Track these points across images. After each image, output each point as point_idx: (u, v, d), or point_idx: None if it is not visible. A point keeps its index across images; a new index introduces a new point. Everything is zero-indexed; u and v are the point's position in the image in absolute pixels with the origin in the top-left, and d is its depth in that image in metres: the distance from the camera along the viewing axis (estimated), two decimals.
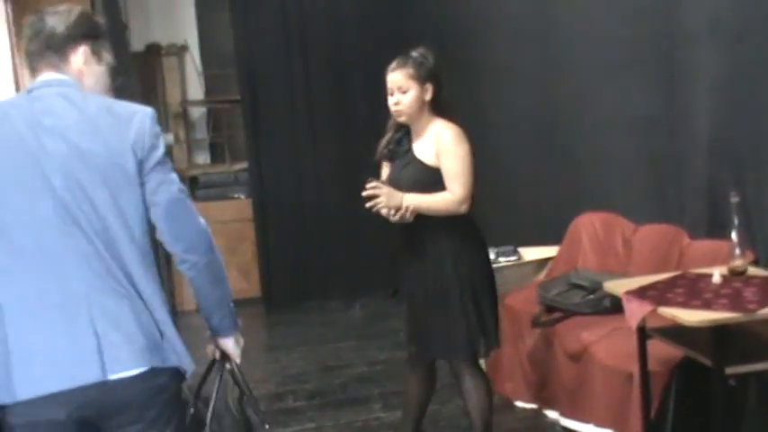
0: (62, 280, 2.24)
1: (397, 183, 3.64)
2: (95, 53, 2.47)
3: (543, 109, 5.65)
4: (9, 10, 6.72)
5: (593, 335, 4.23)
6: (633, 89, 4.76)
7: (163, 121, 8.10)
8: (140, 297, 2.31)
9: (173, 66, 8.10)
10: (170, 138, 7.83)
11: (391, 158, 3.78)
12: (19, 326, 2.22)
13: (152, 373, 2.28)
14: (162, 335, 2.33)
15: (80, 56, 2.42)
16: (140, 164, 2.31)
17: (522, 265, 5.34)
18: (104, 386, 2.22)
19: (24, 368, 2.20)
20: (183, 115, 8.23)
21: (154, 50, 8.01)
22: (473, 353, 3.75)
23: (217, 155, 8.40)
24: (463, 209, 3.61)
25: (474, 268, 3.73)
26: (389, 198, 3.53)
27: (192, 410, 2.59)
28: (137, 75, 7.60)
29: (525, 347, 4.74)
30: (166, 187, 2.34)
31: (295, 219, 7.61)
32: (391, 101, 3.66)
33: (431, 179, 3.60)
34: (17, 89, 6.86)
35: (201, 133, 8.45)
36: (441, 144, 3.60)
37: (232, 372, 2.66)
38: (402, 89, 3.62)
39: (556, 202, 5.56)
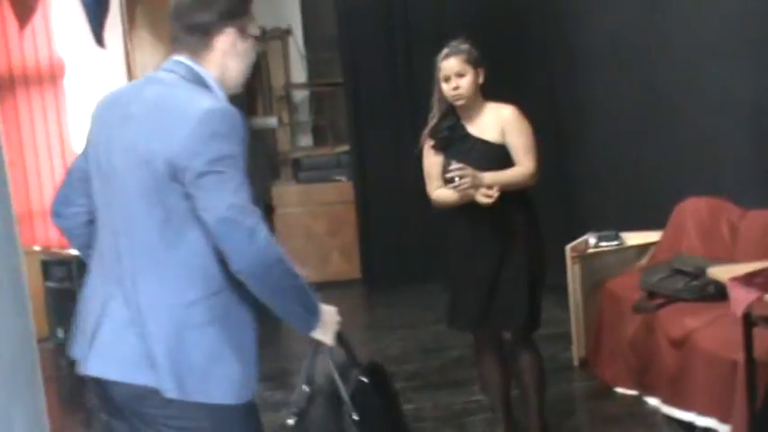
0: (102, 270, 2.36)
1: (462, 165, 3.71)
2: (241, 30, 2.38)
3: (646, 91, 5.56)
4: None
5: (696, 321, 4.17)
6: (741, 70, 4.66)
7: (267, 104, 8.24)
8: (139, 312, 2.24)
9: (276, 49, 8.21)
10: (273, 121, 7.96)
11: (447, 146, 3.83)
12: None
13: (132, 389, 2.25)
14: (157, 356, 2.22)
15: (226, 38, 2.36)
16: (182, 171, 2.17)
17: (624, 250, 5.28)
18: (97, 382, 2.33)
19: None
20: (287, 98, 8.35)
21: (258, 34, 8.13)
22: (536, 325, 3.87)
23: (319, 137, 8.50)
24: (535, 180, 3.74)
25: (539, 243, 3.85)
26: (475, 178, 3.58)
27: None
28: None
29: (626, 333, 4.70)
30: (213, 206, 2.15)
31: (396, 201, 7.64)
32: (449, 87, 3.76)
33: (499, 158, 3.72)
34: (129, 74, 7.07)
35: (304, 116, 8.56)
36: (505, 122, 3.74)
37: (328, 353, 2.60)
38: (459, 73, 3.74)
39: (659, 187, 5.48)
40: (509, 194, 3.67)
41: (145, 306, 2.23)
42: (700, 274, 4.35)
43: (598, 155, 6.02)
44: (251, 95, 8.10)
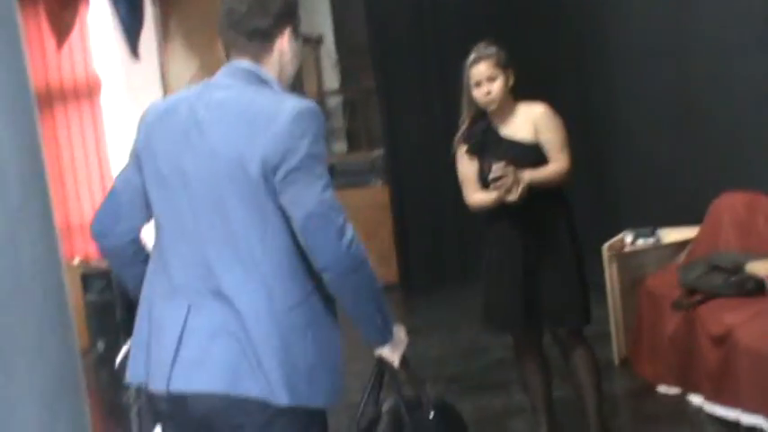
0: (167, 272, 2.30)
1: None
2: (294, 31, 2.40)
3: (679, 88, 5.54)
4: (157, 10, 7.01)
5: (737, 317, 4.14)
6: None
7: None
8: (239, 320, 2.20)
9: (309, 56, 8.27)
10: None
11: (481, 149, 3.82)
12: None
13: (227, 399, 2.20)
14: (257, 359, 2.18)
15: (283, 40, 2.36)
16: (274, 170, 2.17)
17: (662, 247, 5.25)
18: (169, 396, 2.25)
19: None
20: (320, 105, 8.38)
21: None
22: (588, 319, 3.86)
23: (354, 142, 8.55)
24: (570, 176, 3.76)
25: (578, 239, 3.86)
26: (515, 178, 3.59)
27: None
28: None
29: (667, 331, 4.67)
30: (304, 201, 2.16)
31: (432, 204, 7.66)
32: (480, 92, 3.76)
33: (534, 157, 3.72)
34: (164, 85, 7.16)
35: (338, 122, 8.61)
36: (538, 120, 3.75)
37: (393, 375, 2.51)
38: (490, 78, 3.74)
39: (695, 183, 5.45)
40: (545, 192, 3.69)
41: (246, 313, 2.19)
42: (738, 269, 4.32)
43: (632, 152, 6.00)
44: None
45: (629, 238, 5.25)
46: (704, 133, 5.34)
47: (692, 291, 4.56)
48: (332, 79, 8.47)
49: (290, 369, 2.18)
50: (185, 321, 2.23)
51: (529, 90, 3.86)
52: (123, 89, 7.70)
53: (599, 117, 6.36)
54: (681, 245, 5.24)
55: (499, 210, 3.76)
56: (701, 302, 4.44)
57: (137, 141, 2.38)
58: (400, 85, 7.63)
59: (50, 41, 6.92)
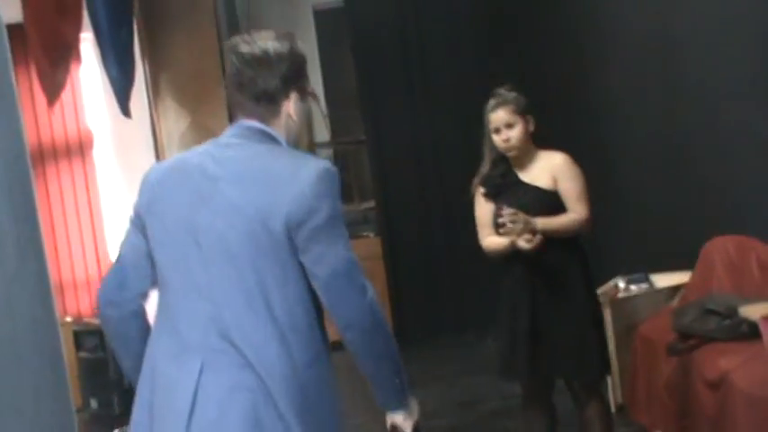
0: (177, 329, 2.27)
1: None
2: (301, 92, 2.39)
3: (669, 133, 5.58)
4: (147, 68, 7.06)
5: (731, 362, 4.13)
6: (761, 109, 4.67)
7: None
8: (258, 377, 2.19)
9: None
10: None
11: (498, 193, 3.83)
12: None
13: None
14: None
15: (290, 101, 2.36)
16: (297, 228, 2.18)
17: (655, 292, 5.26)
18: None
19: None
20: None
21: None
22: (603, 372, 3.86)
23: (345, 195, 8.54)
24: (588, 227, 3.76)
25: (594, 289, 3.88)
26: (527, 224, 3.58)
27: None
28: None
29: (662, 376, 4.66)
30: (329, 259, 2.19)
31: (424, 254, 7.67)
32: (499, 138, 3.77)
33: (552, 204, 3.72)
34: (155, 142, 7.19)
35: None
36: (557, 168, 3.76)
37: None
38: (509, 124, 3.75)
39: (686, 227, 5.47)
40: (561, 241, 3.69)
41: (265, 368, 2.18)
42: (731, 313, 4.32)
43: (623, 198, 6.03)
44: None
45: (621, 283, 5.26)
46: (695, 178, 5.37)
47: (686, 335, 4.55)
48: (322, 132, 8.51)
49: (310, 424, 2.19)
50: (198, 380, 2.19)
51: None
52: (115, 146, 7.74)
53: (589, 161, 6.32)
54: (674, 289, 5.25)
55: (512, 257, 3.74)
56: (696, 347, 4.44)
57: (139, 203, 2.35)
58: (391, 137, 7.68)
59: (42, 100, 6.96)
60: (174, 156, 2.48)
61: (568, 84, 6.45)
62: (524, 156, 3.79)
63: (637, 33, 5.80)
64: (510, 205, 3.70)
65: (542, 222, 3.61)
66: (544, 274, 3.73)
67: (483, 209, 3.89)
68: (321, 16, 8.38)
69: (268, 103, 2.32)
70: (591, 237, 6.50)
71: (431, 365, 6.88)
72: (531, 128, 3.78)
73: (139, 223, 2.34)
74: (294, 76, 2.35)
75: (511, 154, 3.78)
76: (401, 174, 7.70)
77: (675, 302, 5.16)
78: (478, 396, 5.83)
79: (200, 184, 2.26)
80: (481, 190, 3.89)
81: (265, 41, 2.32)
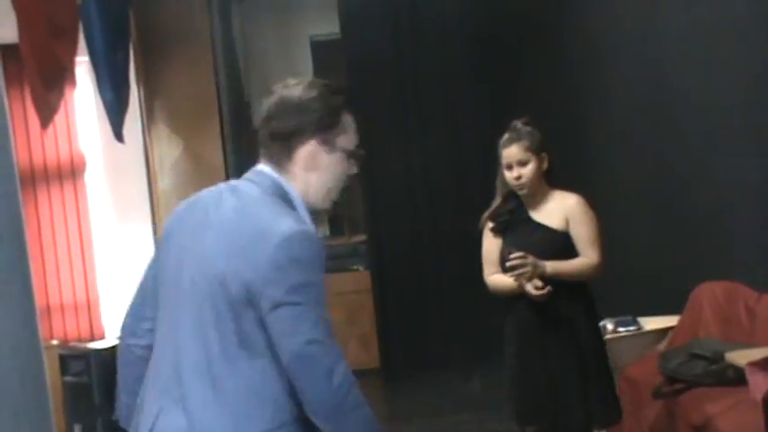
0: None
1: (523, 251, 3.60)
2: (327, 143, 2.25)
3: (660, 178, 5.60)
4: (141, 94, 7.07)
5: (716, 407, 4.12)
6: (751, 155, 4.69)
7: None
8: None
9: None
10: None
11: (506, 229, 3.77)
12: None
13: None
14: None
15: (307, 149, 2.22)
16: (256, 299, 2.04)
17: (642, 335, 5.25)
18: None
19: None
20: None
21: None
22: (608, 420, 3.78)
23: (336, 227, 8.56)
24: (599, 273, 3.67)
25: (600, 332, 3.83)
26: (536, 267, 3.52)
27: None
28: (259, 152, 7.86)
29: (647, 420, 4.65)
30: (288, 341, 2.01)
31: (413, 290, 7.66)
32: (510, 175, 3.67)
33: (561, 246, 3.65)
34: (148, 168, 7.19)
35: None
36: (570, 211, 3.67)
37: None
38: (521, 162, 3.65)
39: (675, 271, 5.48)
40: (568, 286, 3.62)
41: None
42: (718, 358, 4.31)
43: (613, 240, 6.02)
44: None
45: (609, 325, 5.25)
46: (685, 223, 5.38)
47: (672, 379, 4.54)
48: None
49: None
50: (154, 424, 2.14)
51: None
52: (107, 170, 7.72)
53: None
54: (662, 332, 5.24)
55: (516, 300, 3.67)
56: (682, 391, 4.43)
57: (161, 235, 2.32)
58: (384, 170, 7.68)
59: (35, 121, 6.96)
60: (201, 191, 2.32)
61: (561, 122, 6.47)
62: (536, 194, 3.70)
63: (632, 77, 5.83)
64: (517, 243, 3.64)
65: (552, 266, 3.55)
66: (551, 320, 3.66)
67: (490, 244, 3.80)
68: (318, 47, 8.42)
69: (281, 144, 2.21)
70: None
71: (416, 400, 6.85)
72: (545, 166, 3.68)
73: (156, 255, 2.32)
74: (320, 119, 2.22)
75: (521, 192, 3.69)
76: (393, 208, 7.70)
77: (663, 346, 5.15)
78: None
79: (195, 227, 2.20)
80: (489, 225, 3.80)
81: (297, 86, 2.24)
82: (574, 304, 3.69)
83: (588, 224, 3.66)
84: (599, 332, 3.81)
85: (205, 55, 7.05)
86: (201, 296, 2.11)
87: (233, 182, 2.30)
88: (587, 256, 3.64)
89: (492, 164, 3.89)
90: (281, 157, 2.21)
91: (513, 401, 3.86)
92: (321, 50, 8.40)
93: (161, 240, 2.32)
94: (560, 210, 3.68)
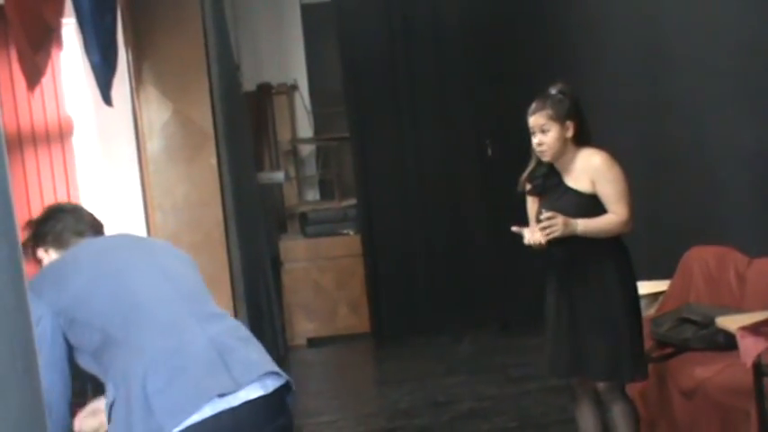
0: None
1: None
2: None
3: (652, 144, 5.59)
4: (130, 56, 7.00)
5: (707, 371, 4.15)
6: (744, 122, 4.68)
7: (274, 159, 8.29)
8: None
9: (283, 105, 8.29)
10: (280, 175, 8.00)
11: (542, 192, 3.88)
12: None
13: None
14: None
15: None
16: None
17: None
18: None
19: None
20: (293, 153, 8.40)
21: (265, 90, 8.22)
22: (633, 375, 3.86)
23: (326, 191, 8.54)
24: (630, 228, 3.77)
25: (633, 289, 3.89)
26: (566, 226, 3.62)
27: None
28: (249, 113, 7.81)
29: (637, 384, 4.66)
30: None
31: (404, 254, 7.66)
32: (534, 141, 3.79)
33: (589, 207, 3.74)
34: (137, 131, 7.13)
35: (311, 170, 8.61)
36: (594, 171, 3.76)
37: None
38: (543, 129, 3.75)
39: (667, 237, 5.48)
40: (596, 242, 3.71)
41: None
42: (708, 323, 4.33)
43: None
44: (258, 150, 8.16)
45: None
46: (676, 188, 5.38)
47: (662, 343, 4.56)
48: (305, 127, 8.48)
49: None
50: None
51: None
52: (95, 134, 7.67)
53: None
54: (652, 297, 5.24)
55: (550, 258, 3.80)
56: (672, 356, 4.44)
57: None
58: (374, 135, 7.66)
59: (22, 84, 6.89)
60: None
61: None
62: (563, 158, 3.81)
63: (625, 46, 5.80)
64: (549, 206, 3.75)
65: (583, 224, 3.66)
66: (581, 277, 3.78)
67: (529, 205, 3.97)
68: (308, 11, 8.35)
69: None
70: None
71: (406, 364, 6.87)
72: (570, 134, 3.78)
73: None
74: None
75: (544, 158, 3.81)
76: (383, 172, 7.68)
77: (653, 311, 5.16)
78: (453, 396, 5.82)
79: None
80: (527, 187, 3.94)
81: None
82: (605, 261, 3.79)
83: (613, 181, 3.75)
84: (631, 289, 3.86)
85: (194, 17, 6.97)
86: None
87: None
88: (615, 213, 3.73)
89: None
90: None
91: (545, 353, 3.99)
92: (311, 15, 8.34)
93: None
94: (586, 172, 3.77)
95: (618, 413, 3.88)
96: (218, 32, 6.96)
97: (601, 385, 3.90)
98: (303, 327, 7.76)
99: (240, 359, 2.40)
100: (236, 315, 6.96)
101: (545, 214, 3.64)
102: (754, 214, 4.77)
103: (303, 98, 8.40)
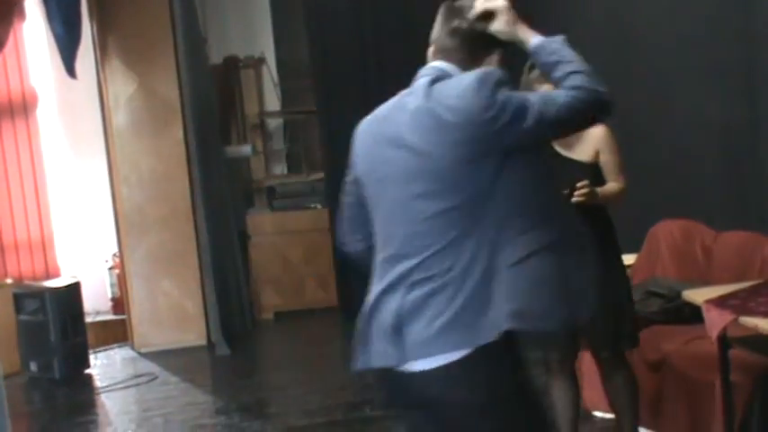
0: None
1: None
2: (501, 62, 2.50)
3: (620, 116, 5.57)
4: (94, 28, 6.90)
5: (672, 344, 4.18)
6: (711, 94, 4.70)
7: (241, 132, 8.24)
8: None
9: (250, 78, 8.23)
10: (248, 149, 7.96)
11: None
12: None
13: None
14: None
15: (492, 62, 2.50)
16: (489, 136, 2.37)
17: None
18: None
19: None
20: (261, 126, 8.35)
21: (232, 63, 8.15)
22: (634, 342, 3.86)
23: (293, 165, 8.50)
24: (625, 198, 3.84)
25: (618, 258, 3.90)
26: (593, 196, 3.63)
27: None
28: (216, 87, 7.74)
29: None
30: (551, 109, 2.46)
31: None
32: None
33: (589, 177, 3.72)
34: (102, 104, 7.05)
35: (278, 144, 8.56)
36: (599, 141, 3.79)
37: None
38: None
39: (633, 210, 5.49)
40: (589, 210, 3.64)
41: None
42: (674, 296, 4.36)
43: None
44: (225, 124, 8.09)
45: None
46: (643, 161, 5.39)
47: None
48: (273, 101, 8.42)
49: None
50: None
51: None
52: (60, 107, 7.57)
53: None
54: None
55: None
56: (638, 329, 4.47)
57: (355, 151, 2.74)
58: (341, 108, 7.60)
59: None
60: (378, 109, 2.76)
61: (517, 63, 6.44)
62: None
63: (592, 19, 5.79)
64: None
65: (600, 191, 3.70)
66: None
67: None
68: None
69: (470, 48, 2.61)
70: None
71: None
72: None
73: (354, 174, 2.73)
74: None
75: None
76: (350, 146, 7.64)
77: None
78: None
79: (388, 139, 2.76)
80: None
81: None
82: (603, 231, 3.78)
83: (616, 152, 3.82)
84: (616, 257, 3.88)
85: None
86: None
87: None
88: (617, 182, 3.79)
89: None
90: (466, 58, 2.55)
91: None
92: None
93: (354, 159, 2.69)
94: (589, 141, 3.79)
95: (622, 381, 3.87)
96: (184, 4, 6.87)
97: (604, 355, 3.90)
98: (271, 301, 7.74)
99: None
100: (203, 288, 6.93)
101: (582, 182, 3.63)
102: (721, 188, 4.80)
103: (271, 71, 8.34)
